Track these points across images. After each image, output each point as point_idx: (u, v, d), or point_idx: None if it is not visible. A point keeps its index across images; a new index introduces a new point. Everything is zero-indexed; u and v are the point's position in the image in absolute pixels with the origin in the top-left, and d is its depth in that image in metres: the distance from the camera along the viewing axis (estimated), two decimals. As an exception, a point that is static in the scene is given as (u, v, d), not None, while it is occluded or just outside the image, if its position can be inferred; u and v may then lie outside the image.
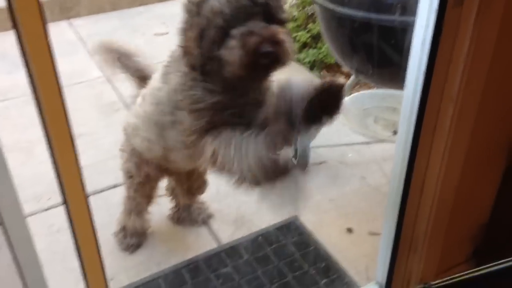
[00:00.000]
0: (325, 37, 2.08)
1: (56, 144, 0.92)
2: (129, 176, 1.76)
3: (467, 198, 1.52)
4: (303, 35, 2.99)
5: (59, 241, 1.91)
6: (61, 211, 2.11)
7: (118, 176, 1.97)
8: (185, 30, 1.24)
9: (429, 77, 1.28)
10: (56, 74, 0.85)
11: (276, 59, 1.17)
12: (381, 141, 2.21)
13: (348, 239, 1.97)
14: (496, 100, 1.38)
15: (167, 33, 3.54)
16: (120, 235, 1.91)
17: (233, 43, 1.15)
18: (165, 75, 1.41)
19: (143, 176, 1.73)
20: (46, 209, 2.07)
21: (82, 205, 1.04)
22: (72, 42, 3.49)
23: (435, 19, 1.20)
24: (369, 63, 1.94)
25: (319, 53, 2.92)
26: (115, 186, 2.15)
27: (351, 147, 2.37)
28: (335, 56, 2.12)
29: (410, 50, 1.28)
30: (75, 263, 1.80)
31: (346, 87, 2.10)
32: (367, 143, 2.31)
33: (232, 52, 1.15)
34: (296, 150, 2.25)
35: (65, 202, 1.03)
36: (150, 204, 1.85)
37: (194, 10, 1.20)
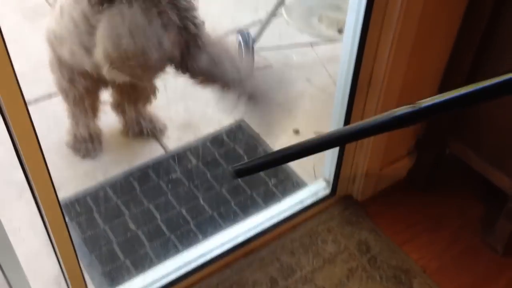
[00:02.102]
0: None
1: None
2: (64, 91, 1.66)
3: (411, 93, 1.55)
4: None
5: (-6, 155, 1.82)
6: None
7: (52, 85, 1.85)
8: None
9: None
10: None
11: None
12: (325, 42, 2.18)
13: (295, 139, 1.98)
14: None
15: None
16: (73, 143, 1.84)
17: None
18: None
19: (80, 90, 1.63)
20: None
21: (22, 114, 0.96)
22: None
23: None
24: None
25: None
26: (50, 96, 2.03)
27: (295, 49, 2.33)
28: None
29: None
30: (15, 176, 1.74)
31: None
32: (311, 44, 2.28)
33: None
34: (240, 53, 2.18)
35: (1, 112, 0.95)
36: (95, 114, 1.77)
37: None
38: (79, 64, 1.51)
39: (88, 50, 1.37)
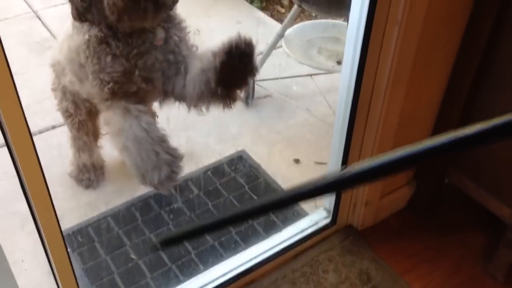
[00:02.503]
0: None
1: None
2: (68, 115, 1.69)
3: (409, 123, 1.57)
4: (242, -34, 2.88)
5: (-2, 186, 1.83)
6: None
7: (56, 117, 1.88)
8: None
9: (373, 1, 1.28)
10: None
11: (156, 2, 1.15)
12: (325, 72, 2.21)
13: (296, 169, 2.00)
14: (440, 22, 1.40)
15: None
16: (76, 174, 1.85)
17: None
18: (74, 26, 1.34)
19: (83, 113, 1.66)
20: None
21: (27, 146, 0.98)
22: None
23: None
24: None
25: (259, -15, 2.84)
26: (53, 127, 2.06)
27: (295, 80, 2.37)
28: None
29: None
30: (18, 207, 1.76)
31: (287, 20, 2.08)
32: (311, 75, 2.32)
33: None
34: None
35: (7, 144, 0.97)
36: (97, 139, 1.80)
37: None
38: (78, 91, 1.55)
39: (82, 81, 1.41)
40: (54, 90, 1.68)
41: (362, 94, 1.47)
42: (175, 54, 1.34)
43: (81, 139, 1.75)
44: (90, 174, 1.84)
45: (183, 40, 1.36)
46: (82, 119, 1.68)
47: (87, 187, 1.85)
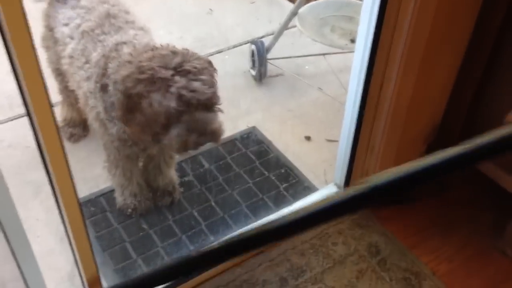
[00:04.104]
0: None
1: (18, 52, 0.87)
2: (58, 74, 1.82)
3: (422, 101, 1.56)
4: None
5: (11, 155, 1.86)
6: (9, 126, 2.04)
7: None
8: (125, 113, 1.31)
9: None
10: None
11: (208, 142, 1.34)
12: (338, 52, 2.21)
13: (307, 146, 2.01)
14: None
15: None
16: (62, 126, 1.93)
17: (177, 134, 1.28)
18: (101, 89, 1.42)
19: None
20: (-5, 126, 2.00)
21: (47, 115, 0.99)
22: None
23: None
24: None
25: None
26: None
27: (308, 59, 2.37)
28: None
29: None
30: (31, 176, 1.79)
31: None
32: (324, 54, 2.31)
33: (175, 140, 1.29)
34: (253, 62, 2.23)
35: (28, 113, 0.99)
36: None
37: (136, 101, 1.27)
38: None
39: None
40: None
41: (375, 72, 1.47)
42: None
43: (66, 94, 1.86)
44: (74, 128, 1.95)
45: None
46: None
47: (68, 140, 1.94)
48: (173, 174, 1.74)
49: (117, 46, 1.41)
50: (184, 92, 1.24)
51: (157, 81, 1.24)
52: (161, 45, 1.37)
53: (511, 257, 1.55)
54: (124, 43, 1.42)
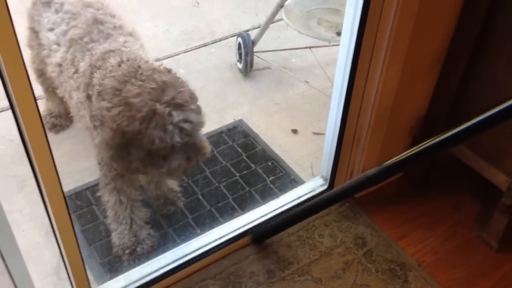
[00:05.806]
0: None
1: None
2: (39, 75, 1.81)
3: (407, 93, 1.57)
4: None
5: (-5, 150, 1.84)
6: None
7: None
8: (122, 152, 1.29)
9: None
10: None
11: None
12: (324, 45, 2.21)
13: (293, 139, 2.01)
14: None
15: None
16: (44, 115, 1.93)
17: (177, 165, 1.29)
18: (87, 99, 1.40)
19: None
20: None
21: (31, 108, 0.98)
22: None
23: None
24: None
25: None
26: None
27: (294, 52, 2.37)
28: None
29: None
30: (16, 170, 1.77)
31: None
32: (310, 47, 2.31)
33: (176, 169, 1.30)
34: (240, 55, 2.22)
35: (11, 106, 0.98)
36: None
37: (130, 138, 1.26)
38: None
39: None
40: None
41: (360, 65, 1.47)
42: None
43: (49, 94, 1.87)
44: (57, 119, 1.95)
45: None
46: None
47: (50, 130, 1.94)
48: (174, 182, 1.72)
49: (104, 55, 1.39)
50: (184, 125, 1.24)
51: (154, 118, 1.22)
52: (147, 63, 1.35)
53: (495, 248, 1.57)
54: (112, 51, 1.40)
